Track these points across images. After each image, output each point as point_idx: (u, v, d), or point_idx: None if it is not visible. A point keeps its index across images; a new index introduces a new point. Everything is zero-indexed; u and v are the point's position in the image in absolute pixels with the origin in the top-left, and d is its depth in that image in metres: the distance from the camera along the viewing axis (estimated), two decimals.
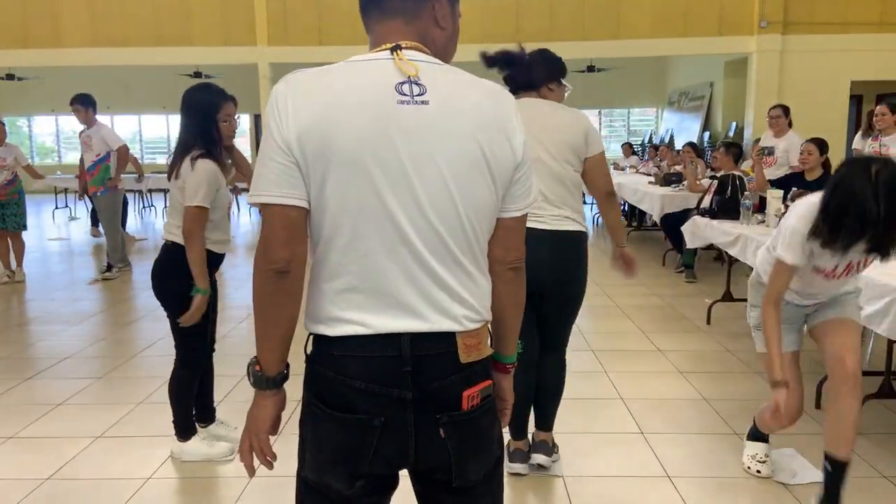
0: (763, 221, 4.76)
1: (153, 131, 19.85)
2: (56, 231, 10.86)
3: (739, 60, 12.28)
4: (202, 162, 2.79)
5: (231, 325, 5.20)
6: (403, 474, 1.36)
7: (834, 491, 2.52)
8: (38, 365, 4.45)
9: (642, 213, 8.87)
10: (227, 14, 12.10)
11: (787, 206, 4.08)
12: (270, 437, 1.34)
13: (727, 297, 5.46)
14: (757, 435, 2.95)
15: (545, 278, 2.64)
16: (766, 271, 2.70)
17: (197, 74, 13.89)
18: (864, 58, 11.12)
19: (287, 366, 1.32)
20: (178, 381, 3.02)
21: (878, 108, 5.97)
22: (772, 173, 6.38)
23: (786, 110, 6.68)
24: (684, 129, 14.94)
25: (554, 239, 2.69)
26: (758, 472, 2.89)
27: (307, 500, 1.37)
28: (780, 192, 4.62)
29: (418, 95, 1.22)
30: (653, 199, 7.50)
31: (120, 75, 16.33)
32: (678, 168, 8.52)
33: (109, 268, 7.13)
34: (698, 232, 5.35)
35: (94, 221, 9.62)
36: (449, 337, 1.27)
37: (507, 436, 2.90)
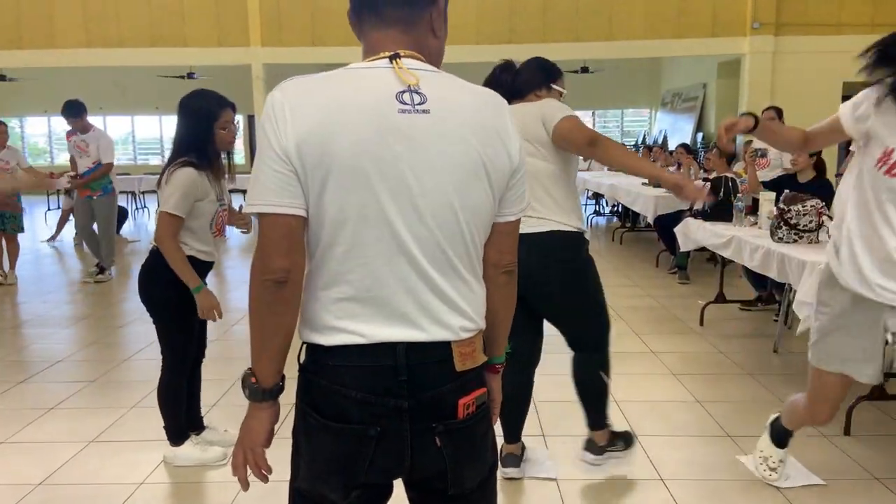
0: (756, 223, 4.78)
1: (146, 132, 19.81)
2: (49, 233, 10.81)
3: (732, 61, 12.33)
4: (182, 171, 2.78)
5: (224, 329, 5.18)
6: (397, 482, 1.36)
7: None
8: (30, 368, 4.43)
9: (636, 215, 8.89)
10: (220, 15, 12.08)
11: (779, 209, 4.09)
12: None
13: (720, 298, 5.47)
14: (780, 437, 2.80)
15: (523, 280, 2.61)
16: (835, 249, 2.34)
17: (191, 75, 13.87)
18: (856, 59, 11.16)
19: (283, 377, 1.31)
20: (165, 387, 3.00)
21: None
22: (765, 175, 6.40)
23: (778, 112, 6.70)
24: (678, 129, 15.00)
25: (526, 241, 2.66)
26: (765, 476, 2.83)
27: None
28: (773, 194, 4.63)
29: (419, 104, 1.22)
30: (646, 200, 7.51)
31: (113, 76, 16.30)
32: (672, 169, 8.54)
33: (102, 270, 7.13)
34: (690, 234, 5.36)
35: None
36: (444, 346, 1.27)
37: (500, 437, 2.91)
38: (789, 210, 4.03)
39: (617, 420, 3.51)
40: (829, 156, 7.56)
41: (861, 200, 2.25)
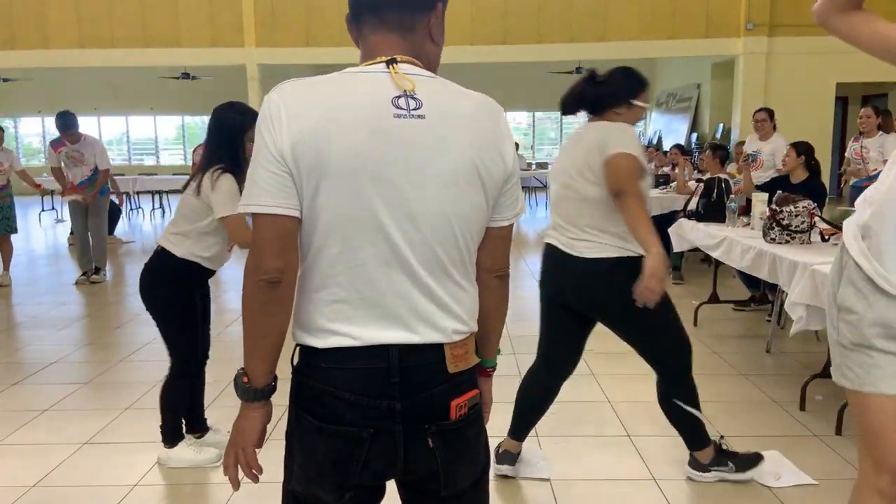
0: (748, 224, 4.80)
1: (141, 132, 19.76)
2: (43, 233, 10.80)
3: (726, 62, 12.37)
4: (225, 177, 2.80)
5: (218, 330, 5.18)
6: (390, 483, 1.37)
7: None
8: (24, 370, 4.42)
9: None
10: (214, 15, 12.07)
11: (772, 210, 4.11)
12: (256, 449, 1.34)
13: (714, 298, 5.50)
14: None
15: (569, 298, 2.63)
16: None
17: (185, 76, 13.85)
18: (849, 60, 11.09)
19: (275, 377, 1.32)
20: (171, 389, 3.02)
21: (862, 110, 6.04)
22: (758, 176, 6.44)
23: (770, 114, 6.73)
24: (672, 130, 15.03)
25: (569, 262, 2.61)
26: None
27: None
28: (766, 196, 4.66)
29: (415, 110, 1.23)
30: None
31: (107, 76, 16.27)
32: (666, 170, 8.57)
33: (97, 270, 7.12)
34: (684, 234, 5.38)
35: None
36: (437, 348, 1.28)
37: (500, 437, 2.92)
38: (781, 211, 4.05)
39: (611, 420, 3.53)
40: (823, 155, 7.59)
41: None
